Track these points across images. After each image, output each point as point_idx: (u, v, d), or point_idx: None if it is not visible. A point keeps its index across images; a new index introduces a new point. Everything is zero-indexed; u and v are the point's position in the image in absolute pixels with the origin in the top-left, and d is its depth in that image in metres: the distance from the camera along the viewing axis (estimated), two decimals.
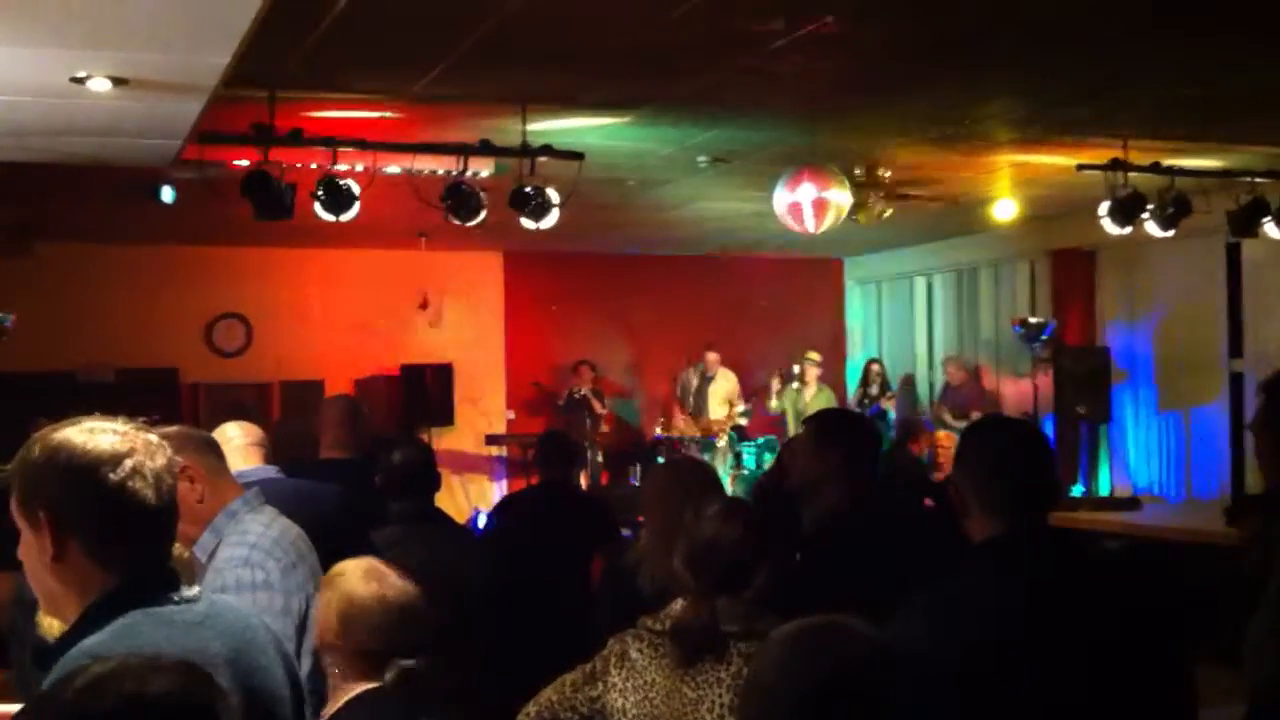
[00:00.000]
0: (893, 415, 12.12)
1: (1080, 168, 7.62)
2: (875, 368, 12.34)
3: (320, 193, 6.32)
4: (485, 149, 6.52)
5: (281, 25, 4.21)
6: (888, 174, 7.85)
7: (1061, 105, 6.57)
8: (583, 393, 11.91)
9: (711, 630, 2.60)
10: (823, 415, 4.22)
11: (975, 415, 11.21)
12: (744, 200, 9.21)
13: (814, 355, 12.18)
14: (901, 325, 13.50)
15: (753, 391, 12.49)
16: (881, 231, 10.47)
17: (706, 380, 12.33)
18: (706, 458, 11.00)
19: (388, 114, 6.44)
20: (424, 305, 12.05)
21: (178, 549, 2.70)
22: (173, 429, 3.05)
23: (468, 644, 3.82)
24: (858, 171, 7.68)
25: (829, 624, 1.70)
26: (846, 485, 3.50)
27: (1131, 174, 7.56)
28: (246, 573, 2.84)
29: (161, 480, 1.94)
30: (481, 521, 10.00)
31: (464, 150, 6.51)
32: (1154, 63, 5.80)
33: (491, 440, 12.37)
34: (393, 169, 6.80)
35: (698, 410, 12.23)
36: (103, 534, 1.90)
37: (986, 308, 12.30)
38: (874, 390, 12.13)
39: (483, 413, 12.41)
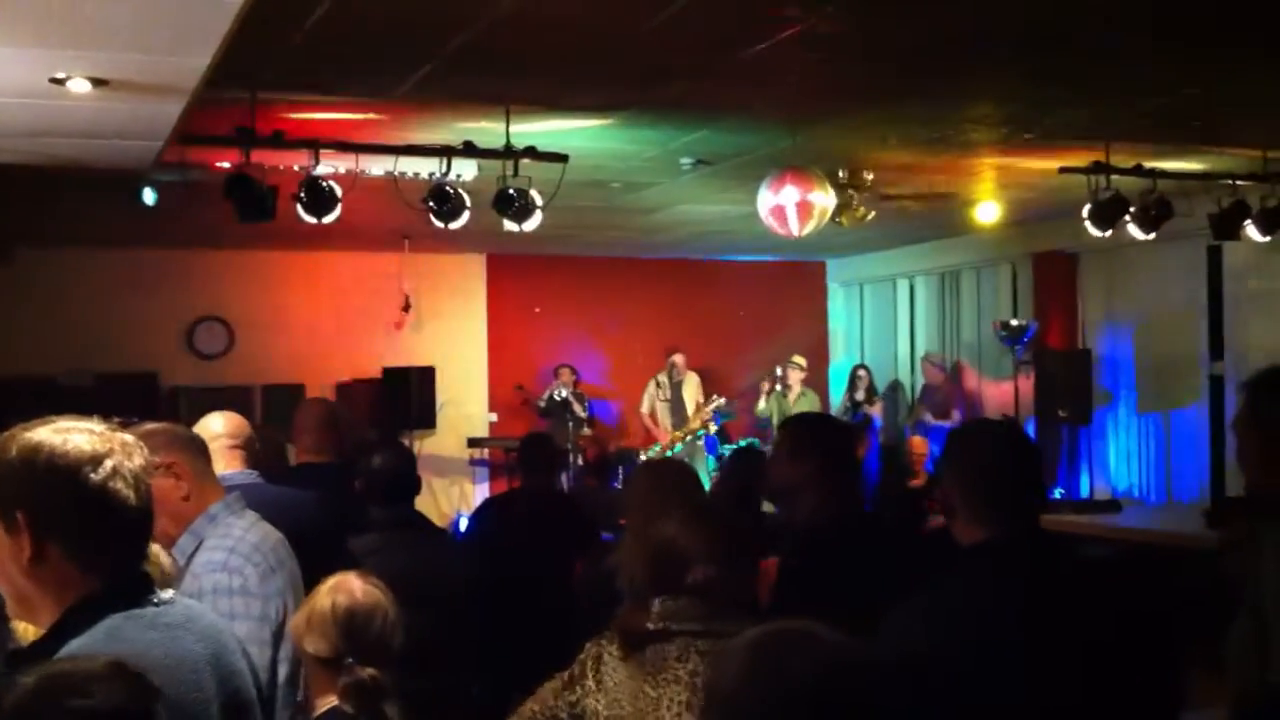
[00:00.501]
0: (878, 422, 12.14)
1: (1063, 170, 7.64)
2: (861, 373, 12.34)
3: (302, 194, 6.28)
4: (469, 151, 6.51)
5: (263, 26, 4.18)
6: (871, 177, 7.86)
7: (1045, 109, 6.58)
8: (563, 395, 11.87)
9: (638, 629, 2.62)
10: (797, 421, 4.21)
11: (955, 414, 11.27)
12: (727, 203, 9.21)
13: (799, 360, 12.20)
14: (884, 327, 13.52)
15: (738, 395, 12.48)
16: (864, 234, 10.50)
17: (677, 385, 12.29)
18: (687, 458, 10.95)
19: (370, 116, 6.42)
20: (406, 308, 12.00)
21: (159, 553, 2.68)
22: (160, 426, 3.03)
23: (449, 648, 3.81)
24: (841, 174, 7.69)
25: (791, 631, 1.64)
26: (822, 492, 3.49)
27: (1113, 177, 7.57)
28: (224, 577, 2.82)
29: (140, 481, 1.93)
30: (464, 525, 9.98)
31: (447, 152, 6.49)
32: (1137, 68, 5.82)
33: (473, 443, 12.33)
34: (375, 171, 6.78)
35: (678, 416, 12.18)
36: (83, 536, 1.88)
37: (969, 310, 12.32)
38: (859, 395, 12.14)
39: (465, 416, 12.37)
